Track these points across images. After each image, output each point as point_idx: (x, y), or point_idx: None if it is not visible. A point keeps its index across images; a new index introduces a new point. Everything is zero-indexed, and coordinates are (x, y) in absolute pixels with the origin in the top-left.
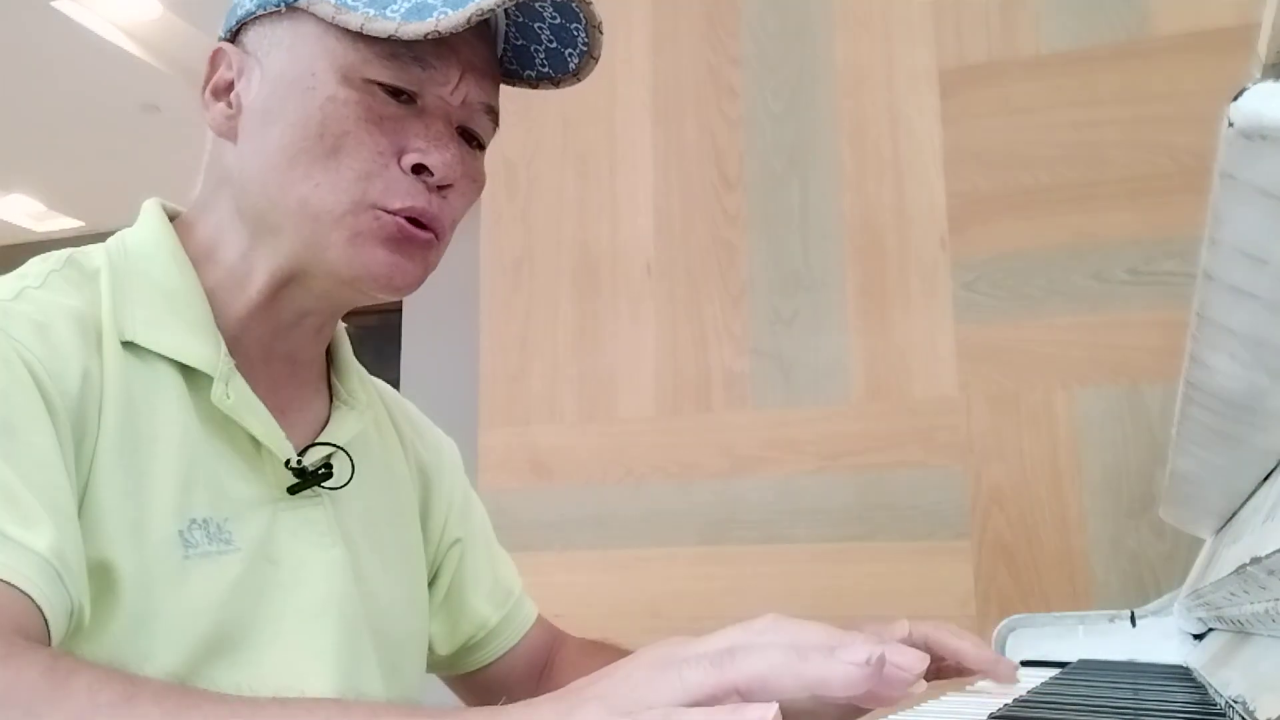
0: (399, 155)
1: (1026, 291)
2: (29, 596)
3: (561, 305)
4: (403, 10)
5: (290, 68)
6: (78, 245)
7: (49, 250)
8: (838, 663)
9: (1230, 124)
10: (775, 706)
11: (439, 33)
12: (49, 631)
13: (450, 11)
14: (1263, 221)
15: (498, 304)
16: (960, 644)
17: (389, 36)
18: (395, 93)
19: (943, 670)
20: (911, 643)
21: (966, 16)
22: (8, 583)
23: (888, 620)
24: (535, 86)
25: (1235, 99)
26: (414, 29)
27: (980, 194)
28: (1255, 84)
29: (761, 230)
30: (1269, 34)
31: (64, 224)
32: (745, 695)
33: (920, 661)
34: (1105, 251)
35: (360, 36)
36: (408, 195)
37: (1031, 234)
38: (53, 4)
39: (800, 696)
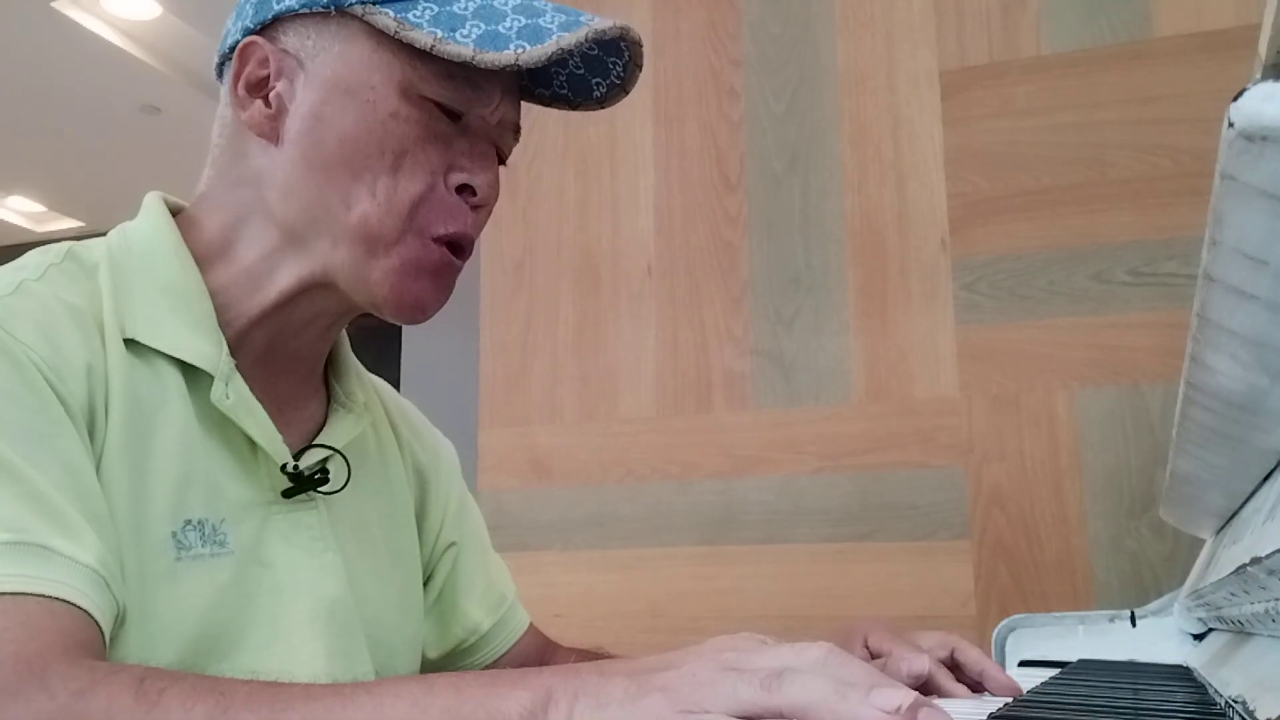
0: (446, 174)
1: (1027, 292)
2: (85, 611)
3: (562, 306)
4: (474, 37)
5: (345, 76)
6: None
7: None
8: (869, 707)
9: (1230, 125)
10: None
11: (519, 66)
12: (104, 642)
13: (528, 46)
14: (1263, 222)
15: (498, 304)
16: (955, 689)
17: (464, 63)
18: (445, 111)
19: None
20: (912, 676)
21: (967, 18)
22: (67, 601)
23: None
24: (549, 105)
25: (1235, 100)
26: (492, 59)
27: (981, 195)
28: (1255, 84)
29: (762, 231)
30: (1269, 34)
31: (64, 225)
32: (788, 716)
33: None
34: (1106, 253)
35: (417, 53)
36: (452, 219)
37: (1032, 235)
38: (53, 4)
39: None
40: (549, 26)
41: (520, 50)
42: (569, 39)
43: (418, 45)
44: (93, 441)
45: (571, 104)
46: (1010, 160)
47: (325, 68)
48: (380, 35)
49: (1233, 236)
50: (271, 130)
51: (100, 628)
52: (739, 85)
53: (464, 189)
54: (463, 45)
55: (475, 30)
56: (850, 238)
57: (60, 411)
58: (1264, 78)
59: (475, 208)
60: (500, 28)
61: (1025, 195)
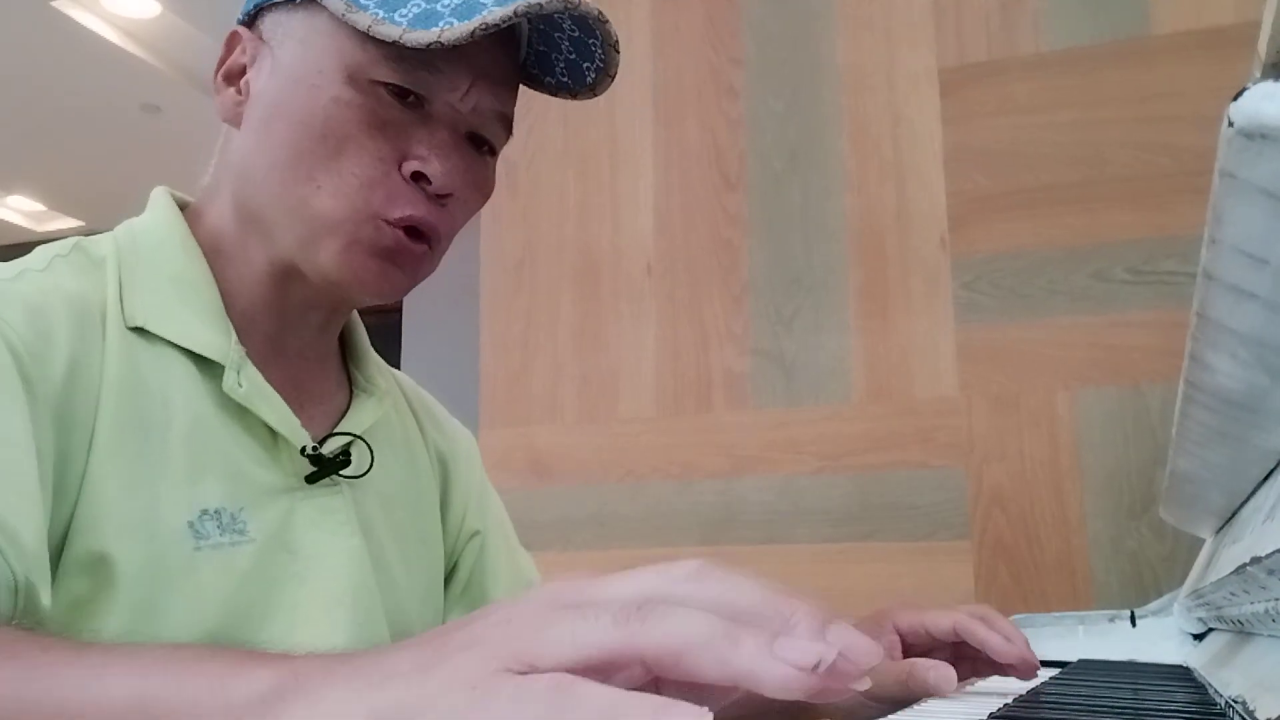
0: (400, 161)
1: (1027, 291)
2: None
3: (562, 305)
4: (410, 16)
5: (300, 62)
6: None
7: None
8: (775, 661)
9: (1230, 123)
10: (709, 716)
11: (441, 44)
12: None
13: (456, 22)
14: (1263, 221)
15: (498, 304)
16: (990, 636)
17: (393, 42)
18: (401, 94)
19: (976, 665)
20: (941, 632)
21: (967, 16)
22: None
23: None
24: (555, 94)
25: (1235, 99)
26: (417, 38)
27: (981, 194)
28: (1255, 84)
29: (762, 230)
30: (1269, 34)
31: (64, 224)
32: (651, 666)
33: (873, 655)
34: (1106, 251)
35: (370, 36)
36: (408, 204)
37: (1032, 234)
38: (52, 3)
39: (719, 683)
40: (484, 1)
41: (445, 27)
42: (496, 14)
43: (358, 27)
44: (76, 435)
45: (572, 92)
46: (1010, 158)
47: (287, 55)
48: (338, 21)
49: (1232, 235)
50: (236, 116)
51: None
52: (739, 84)
53: (418, 177)
54: (395, 26)
55: (415, 9)
56: (850, 236)
57: (15, 383)
58: (1263, 77)
59: (439, 197)
60: (439, 5)
61: (1025, 193)
